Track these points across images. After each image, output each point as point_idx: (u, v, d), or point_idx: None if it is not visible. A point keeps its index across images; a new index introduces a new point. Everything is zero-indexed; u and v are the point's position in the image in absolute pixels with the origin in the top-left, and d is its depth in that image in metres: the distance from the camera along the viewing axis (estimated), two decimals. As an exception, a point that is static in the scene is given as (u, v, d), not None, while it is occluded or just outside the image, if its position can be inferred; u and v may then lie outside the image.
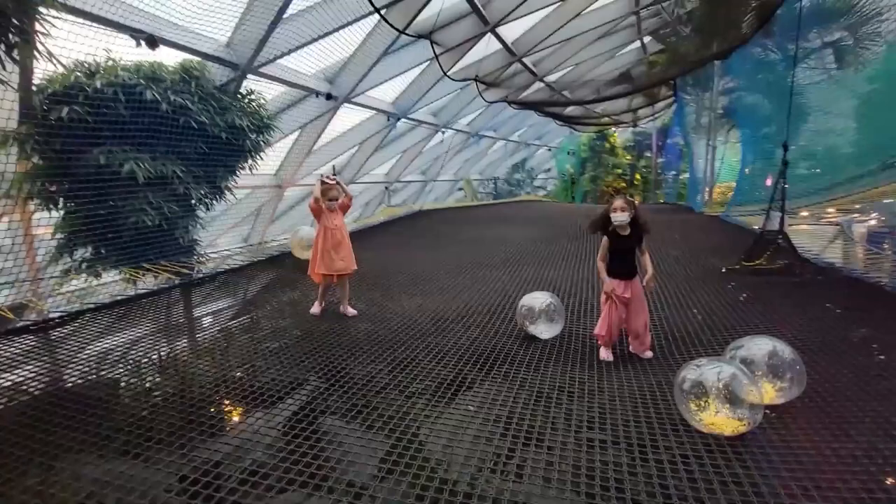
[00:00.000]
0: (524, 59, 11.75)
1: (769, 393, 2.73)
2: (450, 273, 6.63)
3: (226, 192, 6.32)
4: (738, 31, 8.53)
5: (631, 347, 3.89)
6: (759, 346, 2.87)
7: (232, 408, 3.08)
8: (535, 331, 4.17)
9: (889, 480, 2.23)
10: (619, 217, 3.65)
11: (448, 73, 9.68)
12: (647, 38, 15.11)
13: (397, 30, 7.22)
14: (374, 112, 10.88)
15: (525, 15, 9.41)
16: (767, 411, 2.69)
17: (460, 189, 22.11)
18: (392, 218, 11.42)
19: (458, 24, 8.55)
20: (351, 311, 4.67)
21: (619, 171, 25.12)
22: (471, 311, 4.91)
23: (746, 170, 11.85)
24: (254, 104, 6.23)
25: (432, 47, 8.51)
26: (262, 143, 6.43)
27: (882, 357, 3.63)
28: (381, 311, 4.92)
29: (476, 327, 4.47)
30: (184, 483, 2.24)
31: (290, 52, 6.33)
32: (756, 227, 8.62)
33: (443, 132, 14.93)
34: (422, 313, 4.87)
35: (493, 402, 3.05)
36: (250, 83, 6.35)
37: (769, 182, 10.12)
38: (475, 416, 2.86)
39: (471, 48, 9.48)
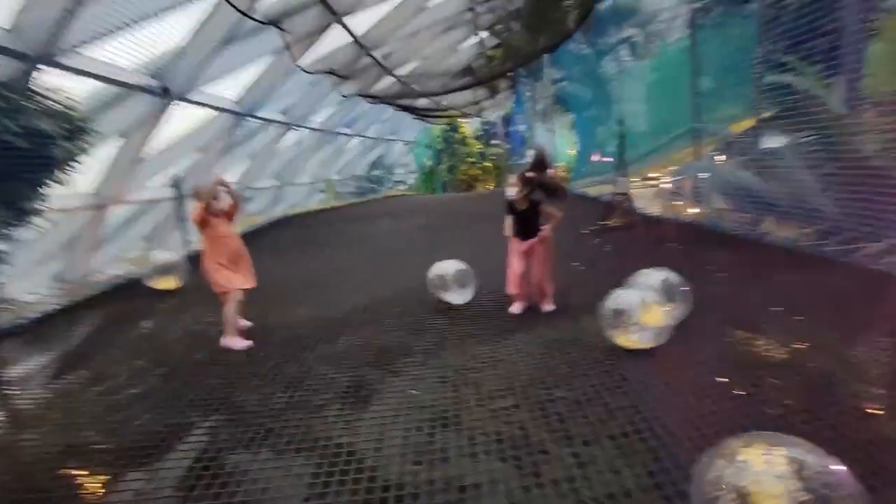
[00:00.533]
0: (373, 53, 11.66)
1: (661, 314, 3.20)
2: (328, 276, 6.36)
3: (33, 215, 5.03)
4: (560, 27, 9.67)
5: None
6: (653, 277, 3.49)
7: (93, 478, 2.52)
8: (450, 297, 4.26)
9: (722, 377, 2.77)
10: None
11: (300, 65, 9.06)
12: (484, 34, 16.17)
13: (241, 12, 6.43)
14: (216, 112, 9.71)
15: (371, 6, 9.30)
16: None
17: (322, 191, 21.19)
18: (254, 228, 10.49)
19: (306, 12, 8.03)
20: (245, 322, 4.33)
21: (472, 159, 26.67)
22: (357, 312, 4.76)
23: (578, 150, 13.62)
24: (59, 104, 5.00)
25: (281, 35, 7.82)
26: (76, 150, 5.24)
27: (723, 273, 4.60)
28: (259, 327, 4.47)
29: (368, 325, 4.36)
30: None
31: (100, 37, 5.22)
32: (593, 195, 10.02)
33: (297, 130, 14.09)
34: (306, 323, 4.58)
35: (401, 396, 3.02)
36: (52, 78, 5.09)
37: (595, 158, 11.79)
38: (384, 416, 2.80)
39: (320, 38, 9.01)
